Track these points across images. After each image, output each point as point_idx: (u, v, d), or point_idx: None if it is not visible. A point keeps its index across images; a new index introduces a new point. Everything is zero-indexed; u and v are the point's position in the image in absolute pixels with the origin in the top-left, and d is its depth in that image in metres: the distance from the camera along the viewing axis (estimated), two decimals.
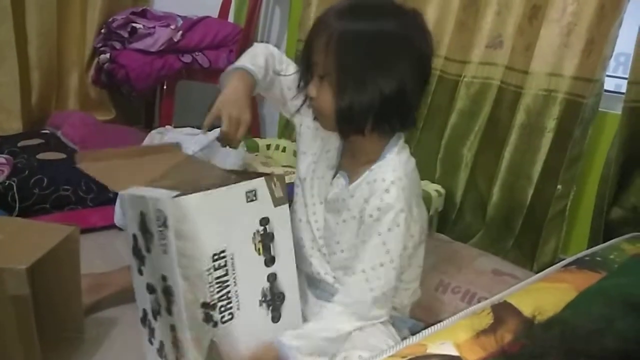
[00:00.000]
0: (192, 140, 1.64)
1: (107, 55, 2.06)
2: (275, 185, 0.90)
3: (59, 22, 2.12)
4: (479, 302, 1.11)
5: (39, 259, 0.87)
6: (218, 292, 0.83)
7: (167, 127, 1.75)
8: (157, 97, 2.36)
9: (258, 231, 0.89)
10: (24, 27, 2.03)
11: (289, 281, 0.91)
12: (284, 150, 1.98)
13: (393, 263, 0.92)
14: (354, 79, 0.88)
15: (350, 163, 1.01)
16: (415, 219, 0.95)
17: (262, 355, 0.88)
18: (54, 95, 2.20)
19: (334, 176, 1.03)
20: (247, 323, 0.87)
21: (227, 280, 0.85)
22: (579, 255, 1.09)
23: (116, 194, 1.66)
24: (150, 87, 2.10)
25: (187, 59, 2.08)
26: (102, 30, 2.14)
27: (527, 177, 1.55)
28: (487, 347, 0.60)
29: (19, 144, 1.81)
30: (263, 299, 0.89)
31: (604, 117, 1.51)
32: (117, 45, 2.06)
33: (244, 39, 2.14)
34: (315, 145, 1.07)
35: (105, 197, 1.67)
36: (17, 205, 1.54)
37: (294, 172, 1.70)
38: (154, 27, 2.02)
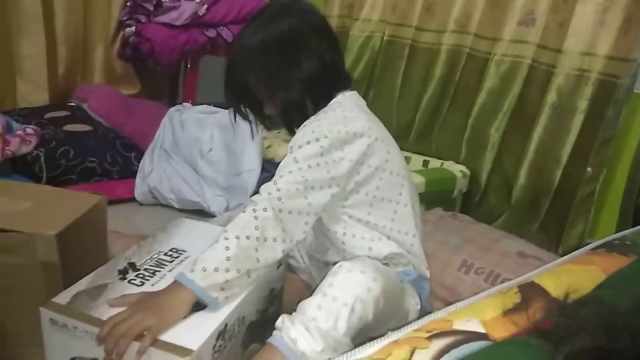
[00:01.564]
0: (209, 120, 1.65)
1: (133, 28, 2.06)
2: None
3: None
4: (502, 283, 1.10)
5: (67, 226, 0.88)
6: (150, 265, 0.93)
7: (185, 104, 1.76)
8: (181, 71, 2.36)
9: None
10: (51, 0, 2.03)
11: (222, 305, 0.84)
12: None
13: (301, 171, 0.87)
14: (276, 83, 0.98)
15: None
16: (337, 145, 0.91)
17: (169, 296, 0.80)
18: (79, 68, 2.22)
19: None
20: None
21: (165, 265, 0.93)
22: (608, 238, 1.06)
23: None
24: (175, 61, 2.10)
25: (211, 33, 2.07)
26: (128, 3, 2.14)
27: (555, 158, 1.52)
28: (519, 324, 0.59)
29: (46, 116, 1.83)
30: None
31: (638, 98, 1.47)
32: (143, 18, 2.06)
33: None
34: None
35: (130, 170, 1.69)
36: (45, 175, 1.56)
37: None
38: (179, 1, 2.01)
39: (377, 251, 0.99)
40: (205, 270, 0.80)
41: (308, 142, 0.89)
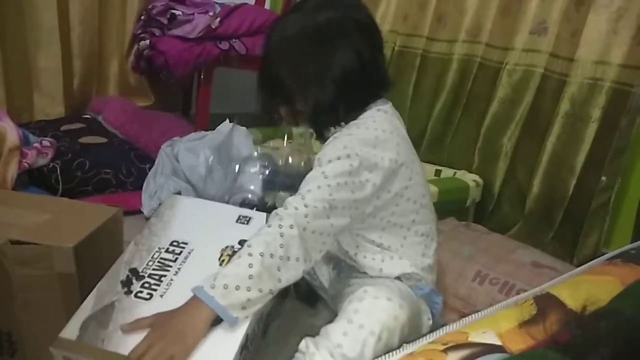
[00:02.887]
0: (200, 145, 1.66)
1: (147, 41, 2.09)
2: None
3: (100, 9, 2.17)
4: (517, 294, 1.09)
5: (85, 238, 0.89)
6: (154, 269, 0.88)
7: (175, 138, 1.76)
8: (194, 83, 2.38)
9: (232, 247, 0.93)
10: (67, 14, 2.07)
11: None
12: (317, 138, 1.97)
13: (330, 188, 0.84)
14: (310, 79, 0.92)
15: None
16: (366, 167, 0.89)
17: (187, 316, 0.77)
18: (94, 81, 2.26)
19: None
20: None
21: (170, 266, 0.88)
22: (624, 248, 1.05)
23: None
24: (189, 73, 2.12)
25: (224, 45, 2.08)
26: (142, 17, 2.17)
27: (569, 168, 1.51)
28: (536, 336, 0.59)
29: (62, 128, 1.86)
30: None
31: None
32: (157, 31, 2.08)
33: None
34: None
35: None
36: (61, 187, 1.58)
37: None
38: (192, 14, 2.03)
39: (389, 272, 0.98)
40: (226, 288, 0.76)
41: (338, 158, 0.86)
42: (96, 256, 0.93)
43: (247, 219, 1.01)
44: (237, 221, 1.00)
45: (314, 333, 1.05)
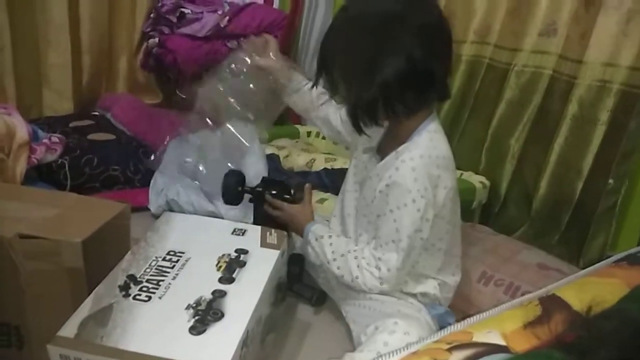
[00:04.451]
0: (208, 142, 1.66)
1: (156, 39, 2.10)
2: (271, 234, 1.04)
3: (110, 7, 2.18)
4: (522, 295, 1.09)
5: (93, 233, 0.90)
6: (152, 275, 0.90)
7: (182, 136, 1.75)
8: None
9: (229, 254, 0.97)
10: (77, 11, 2.08)
11: (240, 312, 0.83)
12: (324, 137, 1.98)
13: (401, 243, 0.91)
14: (355, 71, 0.88)
15: (386, 145, 1.01)
16: (430, 203, 0.91)
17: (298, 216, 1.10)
18: (103, 78, 2.27)
19: (370, 158, 1.05)
20: (157, 315, 0.82)
21: (167, 272, 0.91)
22: (631, 251, 1.05)
23: None
24: (197, 72, 2.13)
25: (233, 44, 2.10)
26: (151, 15, 2.18)
27: (576, 170, 1.50)
28: (541, 336, 0.59)
29: (71, 125, 1.87)
30: (194, 304, 0.84)
31: None
32: (166, 30, 2.10)
33: (289, 25, 2.15)
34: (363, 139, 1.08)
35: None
36: (69, 183, 1.59)
37: (334, 159, 1.71)
38: (201, 13, 2.05)
39: (410, 289, 1.01)
40: (317, 240, 1.04)
41: (405, 204, 0.91)
42: (104, 252, 0.94)
43: (243, 231, 1.05)
44: (232, 233, 1.04)
45: (311, 333, 1.07)
